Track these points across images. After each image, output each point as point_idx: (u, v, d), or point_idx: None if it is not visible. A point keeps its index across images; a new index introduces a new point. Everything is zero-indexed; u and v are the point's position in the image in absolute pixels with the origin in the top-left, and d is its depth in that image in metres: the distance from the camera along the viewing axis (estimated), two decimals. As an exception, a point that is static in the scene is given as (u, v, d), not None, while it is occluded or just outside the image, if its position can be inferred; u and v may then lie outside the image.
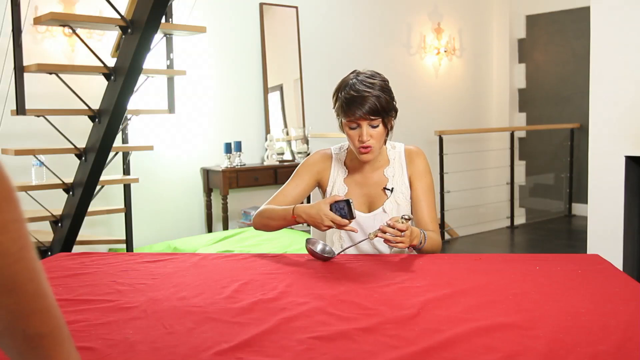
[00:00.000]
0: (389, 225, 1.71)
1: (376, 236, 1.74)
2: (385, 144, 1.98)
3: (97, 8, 3.85)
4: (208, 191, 4.61)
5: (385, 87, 1.87)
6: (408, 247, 1.81)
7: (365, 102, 1.81)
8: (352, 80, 1.87)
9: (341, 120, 1.90)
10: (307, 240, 1.83)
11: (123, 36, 3.17)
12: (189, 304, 1.41)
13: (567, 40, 6.56)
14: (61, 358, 0.64)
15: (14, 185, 0.58)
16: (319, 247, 1.83)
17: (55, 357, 0.64)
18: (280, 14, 5.05)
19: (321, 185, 2.07)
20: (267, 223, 1.94)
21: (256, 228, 2.00)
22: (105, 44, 3.97)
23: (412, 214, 1.99)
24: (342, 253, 1.90)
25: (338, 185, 2.02)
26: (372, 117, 1.83)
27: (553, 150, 6.85)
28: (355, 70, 1.93)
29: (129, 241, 3.97)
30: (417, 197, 1.99)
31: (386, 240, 1.73)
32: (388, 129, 1.91)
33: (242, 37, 4.84)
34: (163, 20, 3.47)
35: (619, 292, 1.43)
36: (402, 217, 1.72)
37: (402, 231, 1.70)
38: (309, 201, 2.23)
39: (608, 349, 1.09)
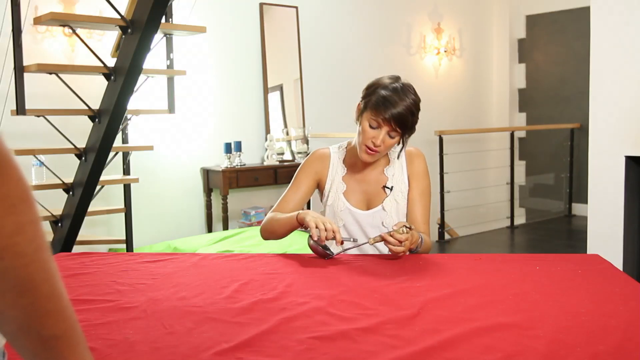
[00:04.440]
0: (390, 235, 1.73)
1: (376, 241, 1.77)
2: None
3: (97, 8, 3.85)
4: (208, 191, 4.61)
5: (417, 107, 1.87)
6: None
7: (399, 108, 1.81)
8: (395, 85, 1.85)
9: (363, 112, 1.89)
10: (310, 237, 1.82)
11: (123, 36, 3.17)
12: (189, 304, 1.41)
13: (567, 40, 6.56)
14: (75, 359, 0.64)
15: (29, 187, 0.58)
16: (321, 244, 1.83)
17: (69, 359, 0.64)
18: (280, 14, 5.05)
19: (320, 184, 2.06)
20: (273, 230, 1.95)
21: (264, 238, 2.01)
22: (105, 44, 3.97)
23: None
24: (339, 250, 1.91)
25: (337, 183, 2.02)
26: (396, 127, 1.83)
27: (553, 150, 6.85)
28: (396, 76, 1.92)
29: (129, 241, 3.97)
30: (412, 197, 2.00)
31: (386, 243, 1.75)
32: (400, 143, 1.93)
33: (242, 37, 4.84)
34: (163, 20, 3.47)
35: (619, 292, 1.43)
36: (404, 227, 1.74)
37: (401, 241, 1.72)
38: (309, 205, 2.23)
39: (608, 349, 1.09)
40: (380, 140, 1.85)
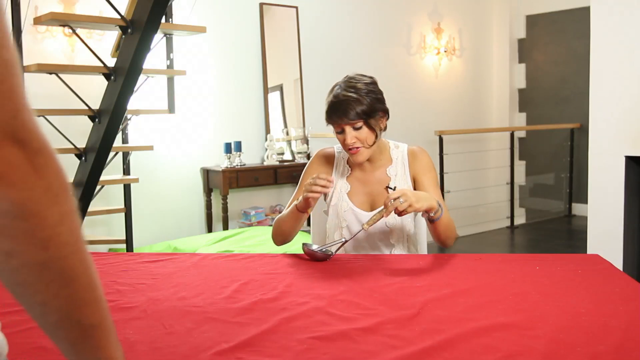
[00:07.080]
0: (385, 205, 1.69)
1: (370, 225, 1.75)
2: (374, 145, 1.96)
3: (97, 8, 3.85)
4: (208, 191, 4.61)
5: (369, 90, 1.86)
6: (423, 214, 1.77)
7: (343, 106, 1.84)
8: (337, 86, 1.90)
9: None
10: (304, 244, 1.83)
11: (123, 36, 3.17)
12: (189, 304, 1.41)
13: (567, 40, 6.55)
14: (110, 347, 0.66)
15: (67, 176, 0.59)
16: (316, 247, 1.82)
17: (105, 347, 0.65)
18: (280, 14, 5.05)
19: None
20: (282, 230, 1.95)
21: (278, 244, 2.00)
22: (105, 44, 3.97)
23: None
24: (340, 250, 1.90)
25: (341, 183, 2.03)
26: (352, 121, 1.84)
27: (553, 150, 6.85)
28: (347, 75, 1.94)
29: (129, 241, 3.96)
30: (424, 190, 1.95)
31: (396, 211, 1.67)
32: (376, 130, 1.90)
33: (242, 37, 4.84)
34: (163, 20, 3.47)
35: (619, 292, 1.43)
36: (387, 188, 1.74)
37: (395, 199, 1.66)
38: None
39: (608, 349, 1.09)
40: (349, 138, 1.87)
